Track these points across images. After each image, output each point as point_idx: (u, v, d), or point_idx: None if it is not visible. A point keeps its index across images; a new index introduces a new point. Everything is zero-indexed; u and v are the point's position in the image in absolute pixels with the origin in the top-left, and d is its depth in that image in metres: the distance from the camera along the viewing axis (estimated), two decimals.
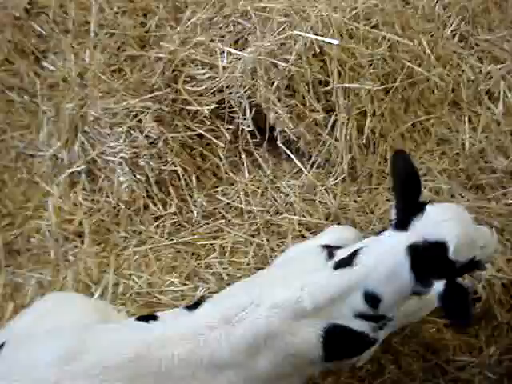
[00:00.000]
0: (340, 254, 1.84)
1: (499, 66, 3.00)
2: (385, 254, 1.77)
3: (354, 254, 1.79)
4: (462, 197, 2.68)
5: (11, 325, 1.95)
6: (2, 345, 1.68)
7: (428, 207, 1.81)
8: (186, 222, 2.63)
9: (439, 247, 1.74)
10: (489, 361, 2.35)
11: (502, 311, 2.40)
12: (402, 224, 1.80)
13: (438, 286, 1.71)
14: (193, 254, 2.55)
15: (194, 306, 1.85)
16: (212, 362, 1.68)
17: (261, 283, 1.92)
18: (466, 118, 2.88)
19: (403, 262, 1.75)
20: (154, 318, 1.82)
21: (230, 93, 2.63)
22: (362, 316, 1.76)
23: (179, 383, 1.67)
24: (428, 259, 1.75)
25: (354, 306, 1.76)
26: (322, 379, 2.24)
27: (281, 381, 1.81)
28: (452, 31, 3.07)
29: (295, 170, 2.74)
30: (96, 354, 1.64)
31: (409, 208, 1.82)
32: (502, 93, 2.93)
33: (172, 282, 2.45)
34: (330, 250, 1.89)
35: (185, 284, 2.43)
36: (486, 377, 2.34)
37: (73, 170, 2.67)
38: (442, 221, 1.77)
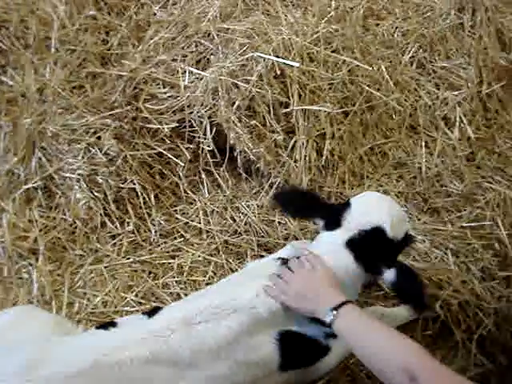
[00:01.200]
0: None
1: (455, 93, 3.07)
2: (327, 255, 1.84)
3: None
4: (419, 219, 2.72)
5: None
6: None
7: (352, 200, 1.92)
8: (143, 240, 2.60)
9: (376, 232, 1.82)
10: None
11: (458, 331, 2.43)
12: (333, 223, 1.87)
13: (388, 274, 1.78)
14: (150, 273, 2.52)
15: (153, 311, 1.87)
16: (173, 363, 1.69)
17: (219, 289, 1.96)
18: (423, 143, 2.95)
19: (346, 258, 1.82)
20: (113, 324, 1.85)
21: (191, 112, 2.63)
22: (316, 320, 1.77)
23: None
24: (370, 247, 1.82)
25: None
26: None
27: None
28: (410, 58, 3.14)
29: (254, 191, 2.75)
30: (57, 363, 1.63)
31: (333, 208, 1.94)
32: (457, 119, 3.00)
33: (128, 301, 2.41)
34: (285, 260, 1.93)
35: (141, 303, 2.39)
36: None
37: (29, 186, 2.61)
38: (370, 208, 1.87)
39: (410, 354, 1.51)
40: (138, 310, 2.37)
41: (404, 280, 1.80)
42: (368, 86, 2.82)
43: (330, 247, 1.86)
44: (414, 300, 1.88)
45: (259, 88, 2.52)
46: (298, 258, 1.89)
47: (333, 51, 2.78)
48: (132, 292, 2.44)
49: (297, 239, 2.60)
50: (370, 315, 1.70)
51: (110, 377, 1.64)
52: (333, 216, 1.89)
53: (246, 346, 1.76)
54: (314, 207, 1.98)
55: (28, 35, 2.93)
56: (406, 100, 2.99)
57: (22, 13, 2.93)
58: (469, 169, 2.92)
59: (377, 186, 2.78)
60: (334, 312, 1.66)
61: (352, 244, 1.83)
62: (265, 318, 1.79)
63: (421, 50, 3.17)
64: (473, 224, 2.71)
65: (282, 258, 1.99)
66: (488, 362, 2.41)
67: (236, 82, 2.52)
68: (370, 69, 2.85)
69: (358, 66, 2.80)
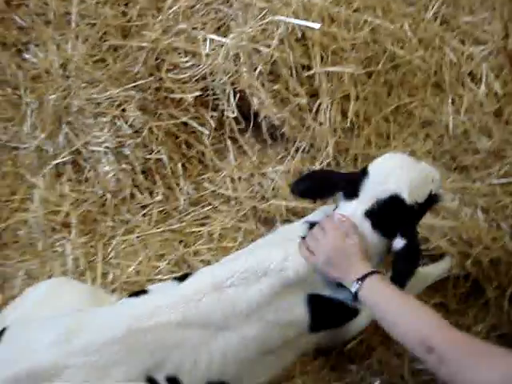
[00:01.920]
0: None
1: (481, 48, 3.01)
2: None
3: None
4: (447, 178, 2.70)
5: (8, 312, 1.97)
6: (3, 331, 1.71)
7: (370, 167, 1.88)
8: (173, 209, 2.64)
9: (395, 200, 1.80)
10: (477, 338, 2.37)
11: (489, 288, 2.42)
12: (351, 192, 1.86)
13: (397, 242, 1.78)
14: (181, 241, 2.56)
15: (183, 277, 1.89)
16: (205, 326, 1.72)
17: (249, 252, 1.98)
18: (449, 100, 2.90)
19: (366, 228, 1.82)
20: (145, 292, 1.88)
21: (214, 80, 2.62)
22: (341, 285, 1.78)
23: (173, 350, 1.70)
24: (388, 216, 1.81)
25: None
26: (313, 359, 2.26)
27: (272, 354, 1.85)
28: (433, 14, 3.06)
29: (280, 156, 2.75)
30: (92, 332, 1.67)
31: (350, 178, 1.90)
32: (484, 74, 2.95)
33: (160, 270, 2.45)
34: (314, 223, 1.93)
35: (173, 271, 2.43)
36: None
37: (58, 161, 2.66)
38: (387, 174, 1.83)
39: (429, 325, 1.51)
40: (170, 278, 2.41)
41: (404, 256, 1.79)
42: (391, 44, 2.78)
43: (351, 217, 1.84)
44: (397, 277, 1.85)
45: (280, 52, 2.49)
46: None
47: (354, 11, 2.72)
48: (164, 260, 2.48)
49: (325, 203, 2.60)
50: (394, 287, 1.68)
51: (143, 342, 1.67)
52: (351, 186, 1.87)
53: (276, 308, 1.79)
54: (332, 183, 1.94)
55: (48, 11, 2.92)
56: (430, 57, 2.93)
57: None
58: (497, 125, 2.88)
59: (403, 146, 2.76)
60: (359, 283, 1.67)
61: (371, 214, 1.82)
62: (294, 281, 1.80)
63: (444, 6, 3.10)
64: (502, 180, 2.70)
65: (310, 222, 1.98)
66: None
67: (257, 47, 2.49)
68: (393, 27, 2.79)
69: (380, 24, 2.75)
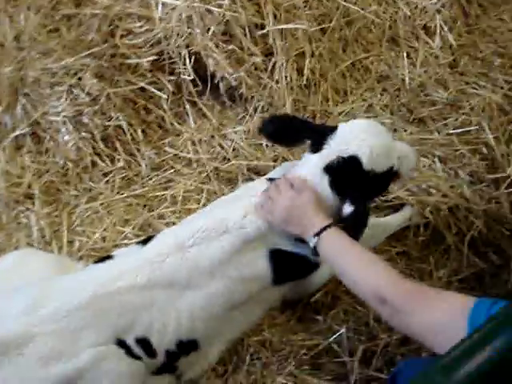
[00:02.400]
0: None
1: (434, 1, 3.03)
2: (307, 177, 1.86)
3: None
4: (405, 130, 2.74)
5: None
6: None
7: (340, 126, 1.90)
8: (135, 175, 2.65)
9: (353, 161, 1.82)
10: (438, 283, 2.43)
11: (449, 235, 2.48)
12: (317, 146, 1.87)
13: (347, 208, 1.80)
14: (145, 205, 2.57)
15: (147, 240, 1.93)
16: (170, 286, 1.77)
17: (209, 211, 2.01)
18: (405, 54, 2.93)
19: (323, 182, 1.84)
20: (110, 257, 1.91)
21: (168, 44, 2.62)
22: (300, 240, 1.82)
23: (141, 312, 1.74)
24: (344, 175, 1.83)
25: None
26: (281, 313, 2.31)
27: (239, 309, 1.90)
28: None
29: (240, 116, 2.76)
30: (59, 299, 1.70)
31: (319, 131, 1.91)
32: (438, 27, 2.98)
33: (126, 235, 2.47)
34: (274, 180, 1.95)
35: (139, 236, 2.45)
36: None
37: (17, 133, 2.65)
38: (354, 136, 1.85)
39: (381, 277, 1.55)
40: (135, 243, 2.43)
41: (349, 223, 1.80)
42: (344, 0, 2.79)
43: (311, 170, 1.87)
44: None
45: (233, 11, 2.50)
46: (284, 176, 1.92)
47: None
48: (129, 225, 2.49)
49: (286, 160, 2.63)
50: (350, 240, 1.71)
51: (110, 306, 1.71)
52: (318, 139, 1.89)
53: (238, 264, 1.83)
54: (301, 131, 1.95)
55: None
56: (384, 12, 2.96)
57: None
58: (452, 76, 2.92)
59: (361, 101, 2.79)
60: (317, 238, 1.71)
61: (329, 169, 1.84)
62: (254, 237, 1.84)
63: None
64: (459, 130, 2.73)
65: (271, 178, 2.01)
66: (481, 262, 2.48)
67: (209, 7, 2.49)
68: None
69: None
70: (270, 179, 2.01)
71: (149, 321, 1.74)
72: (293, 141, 2.00)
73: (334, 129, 1.89)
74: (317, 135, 1.90)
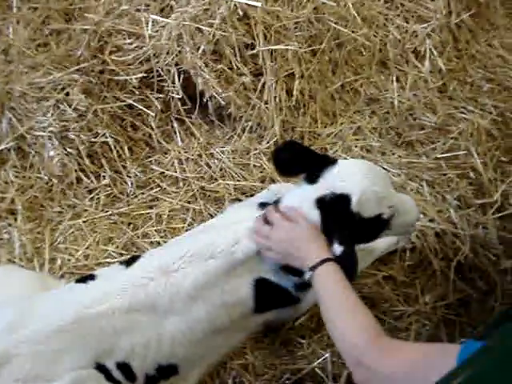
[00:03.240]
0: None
1: (424, 25, 3.05)
2: (300, 208, 1.81)
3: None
4: (393, 154, 2.74)
5: None
6: None
7: (339, 161, 1.85)
8: (120, 193, 2.61)
9: (343, 200, 1.77)
10: (424, 309, 2.42)
11: (435, 260, 2.47)
12: (313, 177, 1.83)
13: (336, 248, 1.73)
14: (129, 224, 2.53)
15: (131, 260, 1.88)
16: (153, 310, 1.72)
17: (196, 233, 1.98)
18: (394, 77, 2.94)
19: (315, 216, 1.79)
20: (92, 277, 1.85)
21: (158, 61, 2.61)
22: (285, 269, 1.80)
23: (122, 337, 1.70)
24: (333, 211, 1.77)
25: None
26: (264, 336, 2.28)
27: (220, 334, 1.86)
28: None
29: (228, 136, 2.75)
30: (40, 320, 1.66)
31: (319, 162, 1.85)
32: (428, 51, 3.00)
33: (109, 253, 2.44)
34: (266, 205, 1.92)
35: (122, 254, 2.42)
36: (423, 324, 2.41)
37: (2, 147, 2.60)
38: (351, 174, 1.80)
39: (359, 335, 1.51)
40: (118, 262, 2.40)
41: (342, 264, 1.72)
42: (335, 23, 2.80)
43: (305, 201, 1.82)
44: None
45: (223, 31, 2.50)
46: (275, 202, 1.87)
47: None
48: (112, 244, 2.46)
49: (273, 181, 2.61)
50: (343, 279, 1.66)
51: (92, 329, 1.67)
52: (315, 170, 1.84)
53: (222, 290, 1.79)
54: (306, 163, 1.87)
55: None
56: (374, 35, 2.97)
57: None
58: (441, 100, 2.94)
59: (349, 123, 2.79)
60: (311, 272, 1.67)
61: (321, 203, 1.79)
62: (241, 264, 1.80)
63: None
64: (447, 154, 2.74)
65: (263, 203, 1.97)
66: (467, 287, 2.46)
67: (199, 26, 2.49)
68: (336, 5, 2.82)
69: (323, 3, 2.77)
70: (262, 204, 1.97)
71: (130, 345, 1.71)
72: (299, 172, 1.91)
73: (333, 162, 1.85)
74: (315, 165, 1.85)
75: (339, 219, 1.77)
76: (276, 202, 1.86)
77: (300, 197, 1.84)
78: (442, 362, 1.31)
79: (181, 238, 2.09)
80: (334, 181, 1.79)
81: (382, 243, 2.39)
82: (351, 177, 1.79)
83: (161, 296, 1.73)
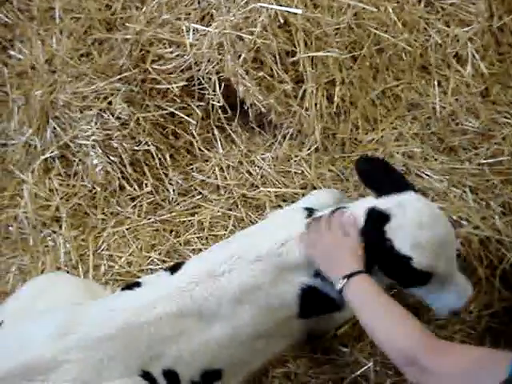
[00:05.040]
0: (318, 214, 1.88)
1: (466, 29, 3.00)
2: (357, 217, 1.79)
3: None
4: (436, 159, 2.70)
5: (5, 306, 1.97)
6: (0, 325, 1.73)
7: (411, 193, 1.79)
8: (162, 200, 2.65)
9: (384, 217, 1.73)
10: (469, 318, 2.38)
11: (480, 267, 2.43)
12: (382, 193, 1.80)
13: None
14: (171, 231, 2.56)
15: (176, 266, 1.89)
16: (200, 315, 1.73)
17: (242, 237, 1.98)
18: (436, 82, 2.90)
19: (360, 221, 1.77)
20: (138, 284, 1.87)
21: (199, 69, 2.63)
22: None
23: (170, 343, 1.71)
24: (374, 225, 1.74)
25: None
26: (306, 344, 2.27)
27: (264, 339, 1.86)
28: None
29: (268, 143, 2.76)
30: (87, 327, 1.67)
31: (393, 184, 1.82)
32: (469, 55, 2.95)
33: (152, 260, 2.47)
34: (311, 210, 1.92)
35: (165, 261, 2.45)
36: (467, 333, 2.37)
37: (46, 156, 2.67)
38: (407, 205, 1.74)
39: (410, 337, 1.50)
40: (162, 268, 2.41)
41: None
42: (375, 28, 2.78)
43: (361, 211, 1.79)
44: None
45: (264, 39, 2.50)
46: (334, 211, 1.85)
47: None
48: (155, 251, 2.50)
49: (315, 188, 2.61)
50: (379, 289, 1.63)
51: (140, 336, 1.68)
52: (387, 191, 1.80)
53: (268, 293, 1.79)
54: (384, 183, 1.84)
55: (32, 7, 2.96)
56: (415, 40, 2.93)
57: None
58: (484, 105, 2.88)
59: (391, 129, 2.76)
60: (345, 280, 1.65)
61: (369, 212, 1.76)
62: (288, 267, 1.80)
63: None
64: (490, 160, 2.68)
65: (308, 208, 1.97)
66: None
67: (240, 34, 2.49)
68: (376, 11, 2.79)
69: (363, 8, 2.75)
70: (307, 208, 1.96)
71: (177, 351, 1.71)
72: (376, 186, 1.86)
73: (405, 188, 1.79)
74: (390, 188, 1.81)
75: (375, 235, 1.74)
76: (338, 209, 1.84)
77: (360, 208, 1.81)
78: (493, 368, 1.29)
79: (225, 242, 2.08)
80: (392, 199, 1.76)
81: None
82: (410, 216, 1.71)
83: (207, 300, 1.74)
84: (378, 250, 1.73)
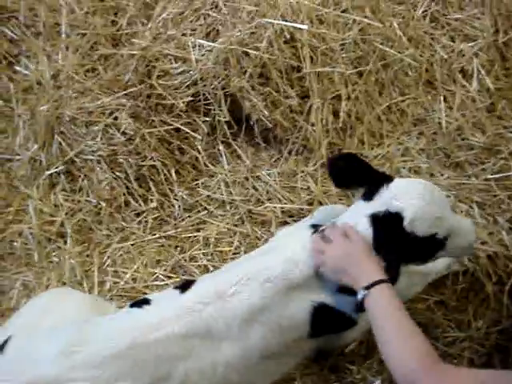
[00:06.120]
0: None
1: (471, 44, 3.01)
2: (356, 226, 1.79)
3: None
4: (442, 175, 2.69)
5: (11, 322, 1.96)
6: (6, 341, 1.70)
7: (396, 179, 1.84)
8: (168, 216, 2.63)
9: (396, 218, 1.75)
10: (477, 334, 2.35)
11: (488, 283, 2.41)
12: (370, 195, 1.82)
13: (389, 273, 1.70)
14: (176, 247, 2.55)
15: (185, 285, 1.86)
16: (209, 336, 1.71)
17: (251, 258, 1.96)
18: (442, 97, 2.89)
19: (368, 232, 1.77)
20: (147, 301, 1.84)
21: (205, 85, 2.64)
22: (342, 290, 1.76)
23: (178, 363, 1.68)
24: (385, 230, 1.76)
25: None
26: (314, 361, 2.25)
27: (273, 360, 1.84)
28: (423, 12, 3.07)
29: (274, 158, 2.75)
30: (94, 345, 1.65)
31: (375, 178, 1.84)
32: (475, 70, 2.95)
33: (157, 276, 2.45)
34: (318, 227, 1.90)
35: (170, 277, 2.43)
36: (476, 350, 2.35)
37: (52, 171, 2.66)
38: (405, 193, 1.78)
39: (415, 357, 1.48)
40: (167, 284, 2.41)
41: None
42: (381, 43, 2.79)
43: (358, 219, 1.80)
44: None
45: (270, 54, 2.51)
46: (324, 229, 1.84)
47: (342, 11, 2.74)
48: (160, 267, 2.47)
49: (321, 204, 2.59)
50: (398, 302, 1.62)
51: (147, 355, 1.66)
52: (373, 187, 1.82)
53: (278, 314, 1.77)
54: (364, 177, 1.87)
55: (37, 23, 2.98)
56: (421, 55, 2.93)
57: (29, 1, 2.96)
58: (490, 120, 2.87)
59: (397, 145, 2.75)
60: (366, 291, 1.64)
61: (374, 220, 1.77)
62: (298, 287, 1.78)
63: (433, 3, 3.10)
64: (497, 175, 2.67)
65: (314, 225, 1.95)
66: None
67: (246, 50, 2.51)
68: (382, 26, 2.80)
69: (369, 24, 2.76)
70: (313, 226, 1.94)
71: (185, 371, 1.68)
72: (355, 185, 1.90)
73: (389, 179, 1.83)
74: (373, 183, 1.84)
75: (391, 238, 1.76)
76: (335, 222, 1.84)
77: (355, 214, 1.83)
78: None
79: (235, 263, 2.08)
80: (388, 199, 1.78)
81: (435, 267, 2.35)
82: (405, 195, 1.77)
83: (217, 321, 1.72)
84: (407, 249, 1.76)
